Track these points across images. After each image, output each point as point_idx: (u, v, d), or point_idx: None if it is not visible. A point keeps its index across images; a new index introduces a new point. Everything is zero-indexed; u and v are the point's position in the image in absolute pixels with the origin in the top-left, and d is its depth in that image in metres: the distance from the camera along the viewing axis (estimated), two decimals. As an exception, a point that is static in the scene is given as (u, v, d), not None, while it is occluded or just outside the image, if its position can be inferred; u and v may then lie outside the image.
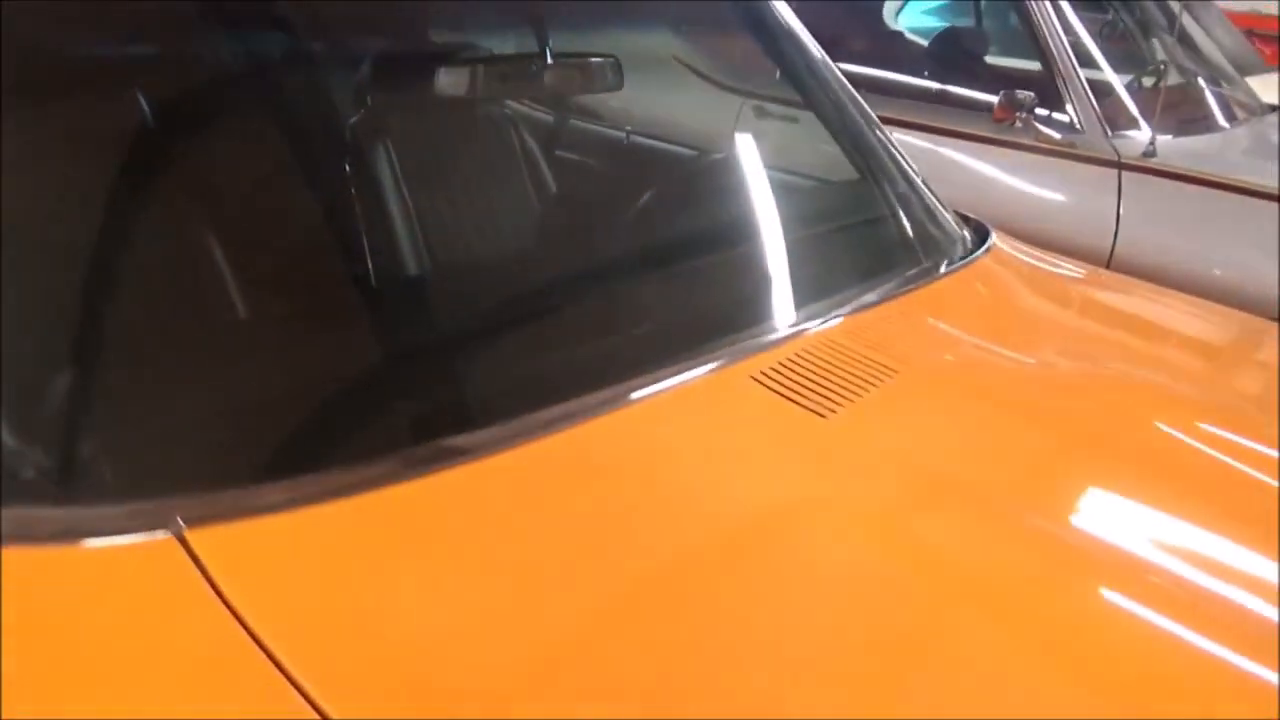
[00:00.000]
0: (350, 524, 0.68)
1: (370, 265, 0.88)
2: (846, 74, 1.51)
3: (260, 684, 0.55)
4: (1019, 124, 2.56)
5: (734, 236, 1.18)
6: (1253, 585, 0.73)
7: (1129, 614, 0.68)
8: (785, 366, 0.91)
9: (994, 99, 2.56)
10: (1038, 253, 1.46)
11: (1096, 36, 3.25)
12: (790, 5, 1.50)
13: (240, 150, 0.92)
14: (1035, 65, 2.67)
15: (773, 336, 0.97)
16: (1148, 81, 2.96)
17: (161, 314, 0.79)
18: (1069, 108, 2.54)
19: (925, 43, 3.58)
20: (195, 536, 0.63)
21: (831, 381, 0.89)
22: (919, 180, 1.42)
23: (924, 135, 2.77)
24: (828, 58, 1.54)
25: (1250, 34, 6.93)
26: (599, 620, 0.64)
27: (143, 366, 0.75)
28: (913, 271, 1.22)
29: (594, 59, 1.25)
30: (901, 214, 1.35)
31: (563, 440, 0.77)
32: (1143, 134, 2.48)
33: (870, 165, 1.39)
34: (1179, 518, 0.81)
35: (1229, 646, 0.66)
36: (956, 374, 1.00)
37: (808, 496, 0.76)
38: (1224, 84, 3.12)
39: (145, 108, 0.83)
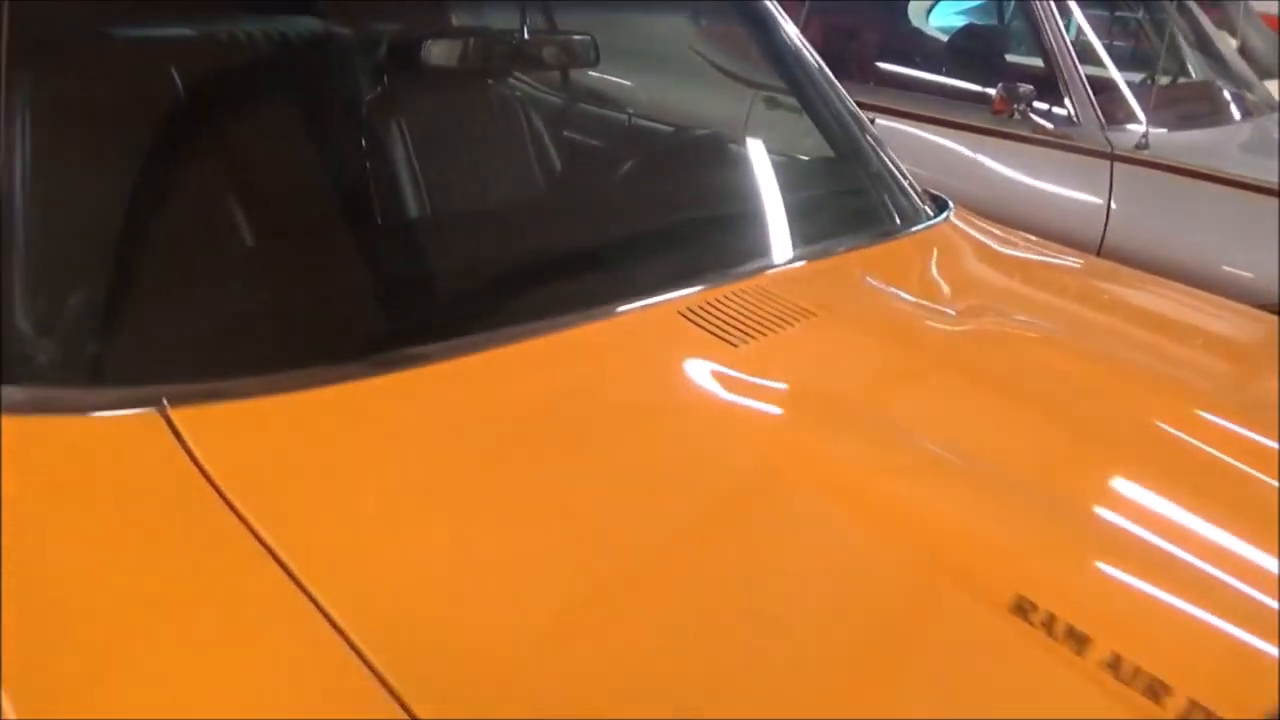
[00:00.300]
0: (314, 410, 0.80)
1: (349, 204, 1.01)
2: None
3: (226, 536, 0.67)
4: (1017, 116, 2.63)
5: (690, 199, 1.30)
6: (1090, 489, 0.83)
7: (965, 498, 0.78)
8: (712, 306, 1.02)
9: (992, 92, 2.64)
10: (995, 228, 1.55)
11: (1106, 35, 3.31)
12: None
13: (259, 109, 1.07)
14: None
15: (708, 283, 1.07)
16: (1151, 78, 3.02)
17: (165, 237, 0.93)
18: (1067, 101, 2.61)
19: (945, 40, 3.66)
20: (177, 414, 0.76)
21: (750, 319, 1.00)
22: (879, 154, 1.52)
23: (929, 127, 2.86)
24: (809, 47, 1.64)
25: (1287, 38, 6.86)
26: (534, 496, 0.75)
27: (144, 278, 0.88)
28: (862, 234, 1.32)
29: (573, 37, 1.37)
30: (858, 183, 1.46)
31: (513, 351, 0.90)
32: (1138, 127, 2.54)
33: (831, 138, 1.50)
34: (1030, 431, 0.91)
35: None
36: (870, 318, 1.10)
37: (702, 406, 0.88)
38: (1233, 82, 3.16)
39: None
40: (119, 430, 0.76)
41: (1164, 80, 2.99)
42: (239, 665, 0.59)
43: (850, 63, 3.29)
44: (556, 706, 0.56)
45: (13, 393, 0.77)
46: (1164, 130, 2.56)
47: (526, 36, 1.28)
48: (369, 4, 1.27)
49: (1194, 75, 3.13)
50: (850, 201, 1.44)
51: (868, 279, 1.20)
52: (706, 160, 1.41)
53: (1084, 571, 0.71)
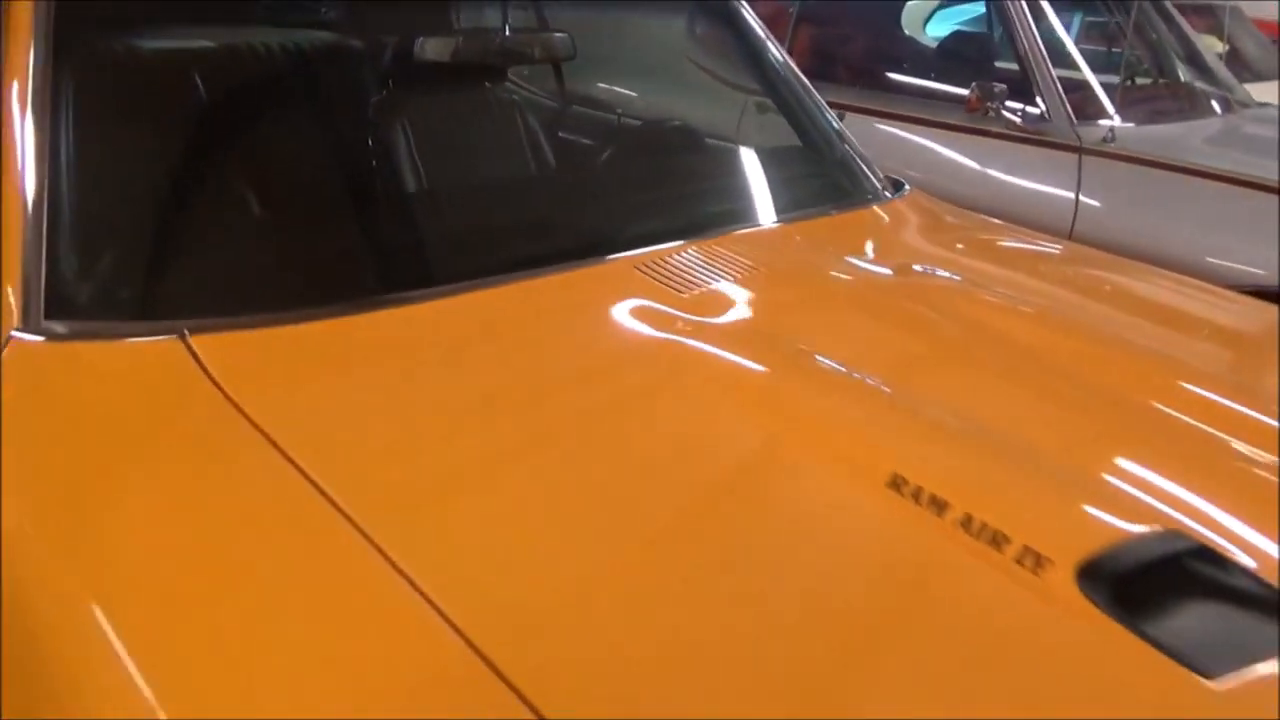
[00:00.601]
0: (311, 337, 0.94)
1: (343, 175, 1.16)
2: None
3: (238, 436, 0.80)
4: (991, 114, 2.76)
5: (655, 176, 1.44)
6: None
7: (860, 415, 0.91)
8: (665, 261, 1.16)
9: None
10: (946, 208, 1.68)
11: (1085, 38, 3.45)
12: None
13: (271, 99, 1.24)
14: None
15: (666, 244, 1.21)
16: (1130, 78, 3.16)
17: (185, 203, 1.08)
18: (1039, 99, 2.73)
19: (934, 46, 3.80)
20: (194, 339, 0.90)
21: (697, 272, 1.14)
22: (838, 139, 1.66)
23: (911, 126, 2.99)
24: (776, 44, 1.80)
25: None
26: (522, 406, 0.89)
27: (167, 235, 1.03)
28: (815, 207, 1.46)
29: (553, 34, 1.52)
30: (817, 164, 1.61)
31: (490, 294, 1.05)
32: (1107, 123, 2.67)
33: (794, 124, 1.64)
34: (922, 356, 1.05)
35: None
36: (803, 272, 1.24)
37: (646, 339, 1.01)
38: (1206, 81, 3.28)
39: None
40: (146, 352, 0.90)
41: (1135, 79, 3.11)
42: (223, 522, 0.73)
43: (839, 67, 3.43)
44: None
45: (57, 326, 0.91)
46: (1131, 125, 2.68)
47: (508, 34, 1.44)
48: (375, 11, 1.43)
49: (1168, 75, 3.26)
50: (807, 179, 1.59)
51: (811, 243, 1.34)
52: (671, 142, 1.56)
53: (946, 455, 0.84)
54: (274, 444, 0.78)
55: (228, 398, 0.84)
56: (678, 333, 1.00)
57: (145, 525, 0.74)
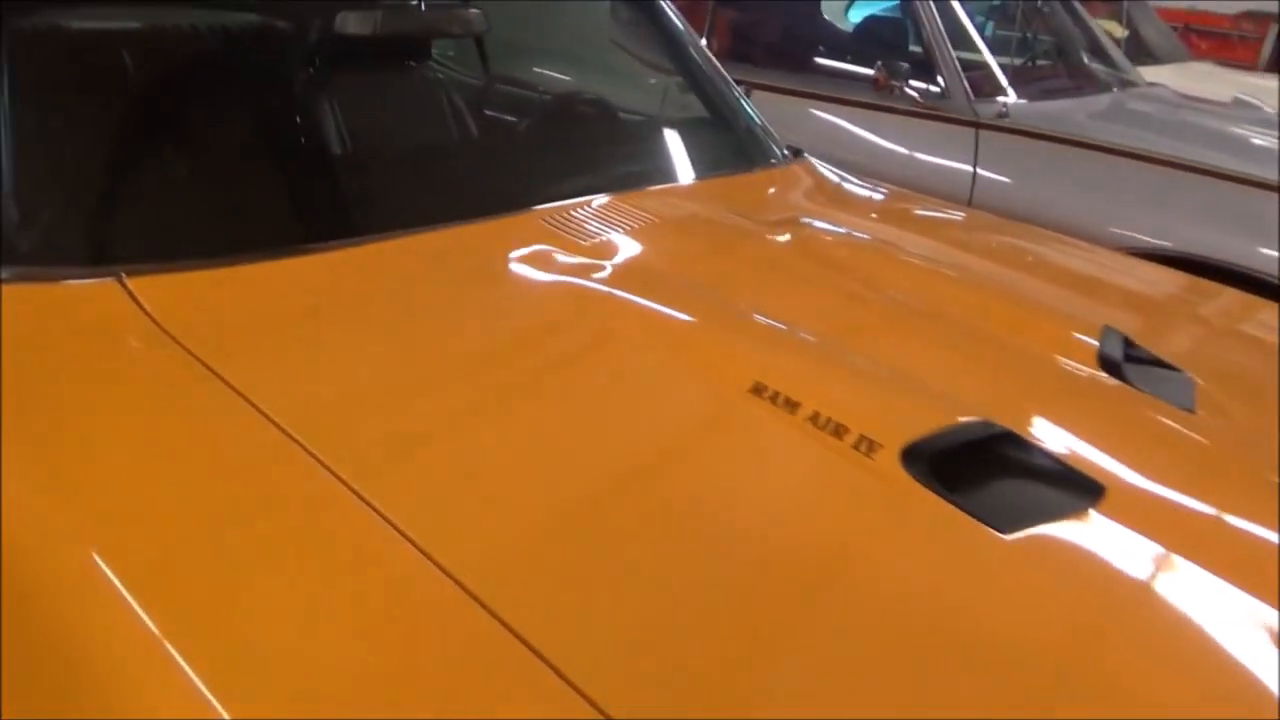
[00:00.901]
0: (239, 278, 1.03)
1: (272, 134, 1.26)
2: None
3: (171, 362, 0.89)
4: (897, 92, 2.92)
5: (568, 140, 1.56)
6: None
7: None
8: (568, 214, 1.27)
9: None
10: (839, 173, 1.82)
11: (984, 21, 3.64)
12: None
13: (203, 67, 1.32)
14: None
15: (572, 199, 1.32)
16: (1031, 59, 3.36)
17: (122, 159, 1.16)
18: (939, 78, 2.90)
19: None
20: (130, 280, 0.99)
21: (595, 223, 1.26)
22: (741, 110, 1.79)
23: (823, 105, 3.15)
24: (690, 28, 1.93)
25: (1188, 28, 7.29)
26: (442, 330, 1.00)
27: (107, 184, 1.11)
28: (714, 169, 1.59)
29: (466, 8, 1.62)
30: (718, 132, 1.74)
31: (406, 242, 1.16)
32: (1002, 99, 2.85)
33: (699, 94, 1.77)
34: (790, 291, 1.19)
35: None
36: (692, 223, 1.36)
37: (544, 280, 1.13)
38: (1100, 63, 3.50)
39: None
40: (85, 291, 0.99)
41: (1034, 61, 3.31)
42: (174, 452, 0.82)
43: (759, 49, 3.58)
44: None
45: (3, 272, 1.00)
46: (1024, 101, 2.87)
47: (424, 9, 1.53)
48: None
49: (1062, 57, 3.46)
50: (709, 145, 1.71)
51: (704, 199, 1.46)
52: (582, 111, 1.68)
53: (799, 365, 0.97)
54: (215, 373, 0.88)
55: (163, 330, 0.93)
56: (570, 273, 1.11)
57: (114, 461, 0.79)
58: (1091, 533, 0.80)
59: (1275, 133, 2.91)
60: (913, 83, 2.93)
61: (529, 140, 1.56)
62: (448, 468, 0.80)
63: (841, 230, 1.41)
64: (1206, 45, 6.92)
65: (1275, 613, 0.74)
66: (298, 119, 1.34)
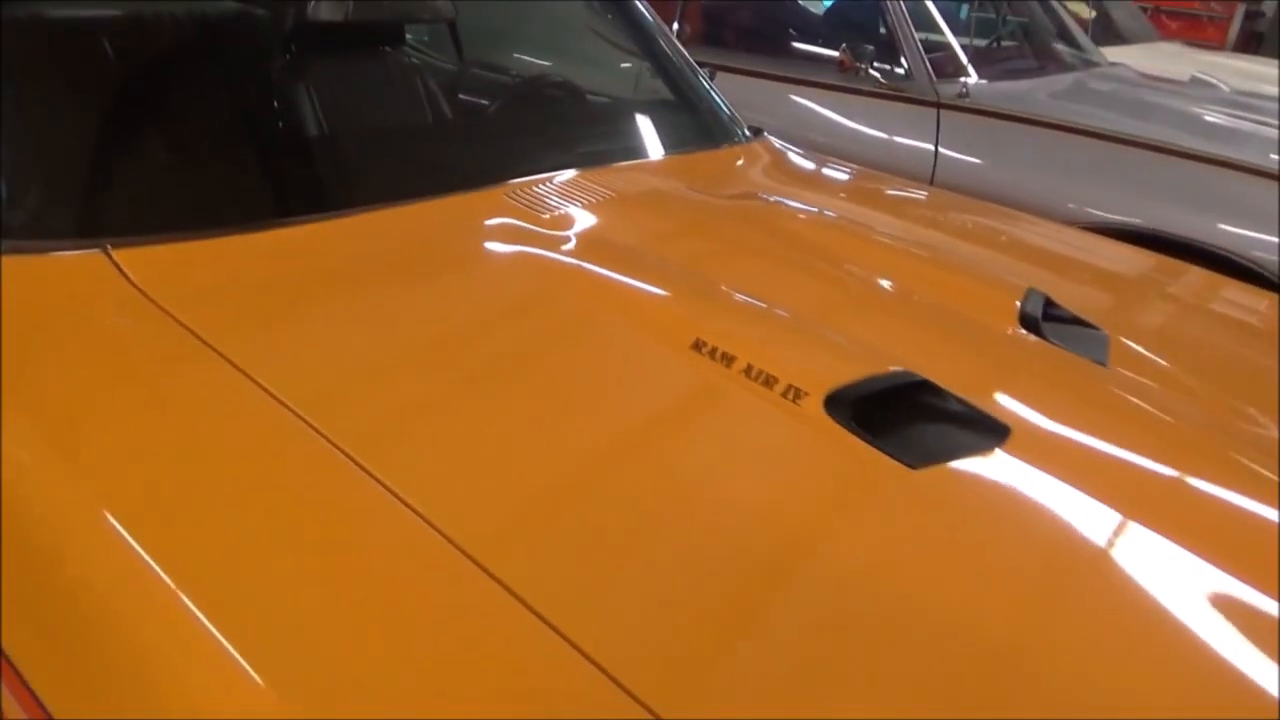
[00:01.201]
0: (219, 250, 1.11)
1: (259, 118, 1.33)
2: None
3: (159, 328, 0.97)
4: (861, 74, 3.00)
5: (535, 120, 1.64)
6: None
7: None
8: (530, 190, 1.34)
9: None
10: (798, 151, 1.90)
11: (963, 6, 3.73)
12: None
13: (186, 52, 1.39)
14: (924, 35, 3.15)
15: (534, 175, 1.40)
16: (996, 41, 3.44)
17: (107, 142, 1.22)
18: (902, 59, 2.98)
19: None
20: (115, 251, 1.06)
21: (558, 197, 1.33)
22: (704, 91, 1.87)
23: (790, 86, 3.22)
24: (655, 14, 2.00)
25: (1158, 10, 7.39)
26: (419, 298, 1.08)
27: (91, 165, 1.18)
28: (675, 147, 1.67)
29: (435, -5, 1.69)
30: (680, 113, 1.81)
31: (378, 215, 1.23)
32: (963, 80, 2.93)
33: (664, 77, 1.85)
34: (741, 260, 1.26)
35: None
36: (648, 198, 1.44)
37: (504, 248, 1.20)
38: (1065, 44, 3.59)
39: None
40: (72, 262, 1.06)
41: (999, 42, 3.39)
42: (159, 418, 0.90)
43: (727, 32, 3.64)
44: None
45: (-3, 245, 1.07)
46: (984, 82, 2.95)
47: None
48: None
49: (1026, 38, 3.55)
50: (670, 125, 1.79)
51: (662, 174, 1.54)
52: (549, 93, 1.76)
53: (735, 323, 1.05)
54: (195, 335, 0.95)
55: (146, 296, 1.01)
56: (528, 243, 1.19)
57: (104, 415, 0.85)
58: (994, 467, 0.89)
59: (1229, 109, 3.01)
60: (877, 64, 3.00)
61: (496, 120, 1.64)
62: (403, 412, 0.88)
63: (790, 202, 1.49)
64: (1177, 26, 7.02)
65: (1154, 534, 0.83)
66: (273, 100, 1.41)
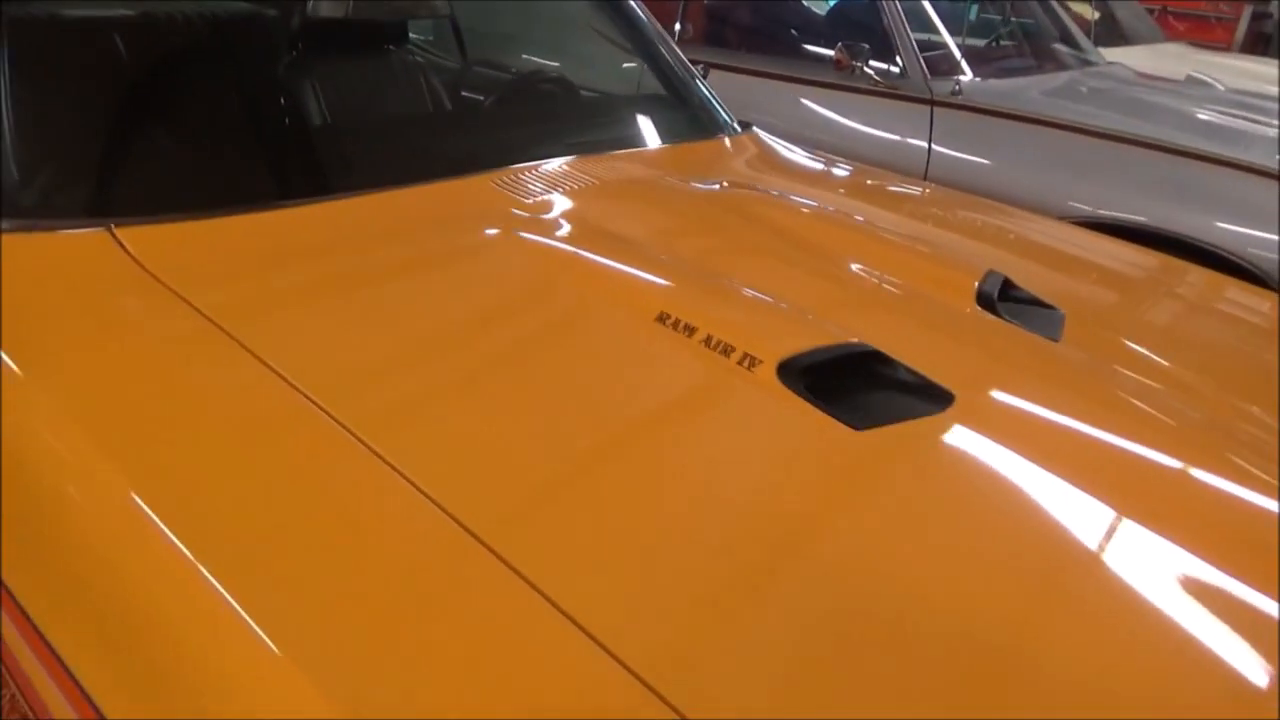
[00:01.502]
0: (221, 229, 1.17)
1: (258, 105, 1.40)
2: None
3: (160, 302, 1.03)
4: (857, 72, 3.05)
5: (528, 113, 1.71)
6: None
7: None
8: (518, 178, 1.41)
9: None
10: (784, 144, 1.96)
11: (971, 7, 3.78)
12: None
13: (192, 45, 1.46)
14: (921, 36, 3.20)
15: (517, 164, 1.46)
16: (996, 40, 3.50)
17: (113, 122, 1.30)
18: (897, 58, 3.03)
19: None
20: (120, 231, 1.13)
21: (542, 184, 1.40)
22: (694, 86, 1.93)
23: (788, 85, 3.28)
24: (649, 13, 2.07)
25: (1165, 11, 7.39)
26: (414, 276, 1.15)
27: (97, 149, 1.25)
28: (662, 138, 1.73)
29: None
30: (670, 107, 1.88)
31: (372, 199, 1.30)
32: (957, 78, 2.98)
33: (656, 73, 1.91)
34: (714, 243, 1.32)
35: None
36: (628, 185, 1.50)
37: (486, 229, 1.27)
38: (1063, 44, 3.63)
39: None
40: (78, 240, 1.13)
41: (995, 41, 3.44)
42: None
43: (728, 31, 3.70)
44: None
45: (6, 224, 1.14)
46: (977, 79, 3.00)
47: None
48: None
49: (1022, 37, 3.59)
50: (658, 118, 1.85)
51: (644, 164, 1.60)
52: (545, 89, 1.82)
53: (699, 298, 1.11)
54: (194, 307, 1.02)
55: (147, 271, 1.08)
56: (507, 224, 1.26)
57: (107, 380, 0.91)
58: (935, 430, 0.95)
59: (1222, 107, 3.05)
60: (874, 63, 3.05)
61: (488, 112, 1.71)
62: (373, 369, 0.94)
63: (767, 189, 1.55)
64: (1184, 27, 7.04)
65: (1083, 494, 0.88)
66: (272, 89, 1.48)
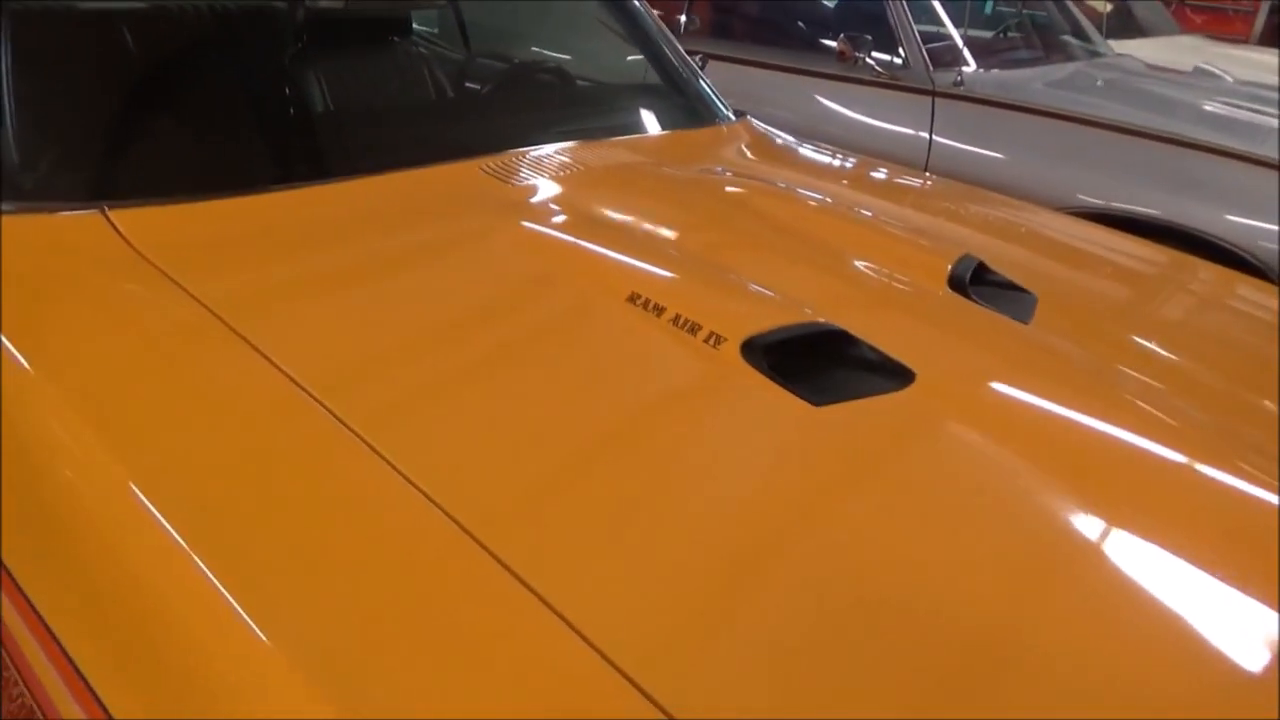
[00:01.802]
0: (214, 211, 1.21)
1: (251, 91, 1.44)
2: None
3: (151, 282, 1.07)
4: (860, 64, 3.06)
5: (523, 101, 1.74)
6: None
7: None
8: (508, 165, 1.44)
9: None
10: (776, 132, 1.98)
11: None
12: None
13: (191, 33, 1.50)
14: (928, 28, 3.21)
15: (506, 150, 1.49)
16: (1002, 31, 3.50)
17: (109, 106, 1.34)
18: (900, 49, 3.04)
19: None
20: (113, 213, 1.17)
21: (531, 169, 1.43)
22: (690, 76, 1.96)
23: (792, 76, 3.30)
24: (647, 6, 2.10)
25: (1183, 4, 7.33)
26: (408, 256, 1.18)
27: (92, 134, 1.29)
28: (653, 126, 1.76)
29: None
30: (664, 96, 1.90)
31: (362, 183, 1.34)
32: (960, 69, 2.98)
33: (653, 62, 1.94)
34: (696, 225, 1.35)
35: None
36: (614, 171, 1.53)
37: (472, 212, 1.30)
38: (1071, 36, 3.63)
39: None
40: (73, 221, 1.17)
41: (1002, 32, 3.44)
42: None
43: (736, 23, 3.72)
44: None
45: (6, 205, 1.18)
46: (980, 71, 3.00)
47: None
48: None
49: (1038, 30, 3.59)
50: (652, 106, 1.88)
51: (633, 151, 1.63)
52: (542, 78, 1.86)
53: (671, 280, 1.13)
54: (182, 288, 1.05)
55: (138, 252, 1.11)
56: (494, 208, 1.29)
57: (97, 356, 0.94)
58: (894, 406, 0.97)
59: (1228, 98, 3.03)
60: (877, 54, 3.06)
61: (482, 100, 1.74)
62: (371, 353, 0.97)
63: (753, 175, 1.58)
64: (1202, 20, 6.97)
65: (1038, 471, 0.90)
66: (265, 75, 1.52)
